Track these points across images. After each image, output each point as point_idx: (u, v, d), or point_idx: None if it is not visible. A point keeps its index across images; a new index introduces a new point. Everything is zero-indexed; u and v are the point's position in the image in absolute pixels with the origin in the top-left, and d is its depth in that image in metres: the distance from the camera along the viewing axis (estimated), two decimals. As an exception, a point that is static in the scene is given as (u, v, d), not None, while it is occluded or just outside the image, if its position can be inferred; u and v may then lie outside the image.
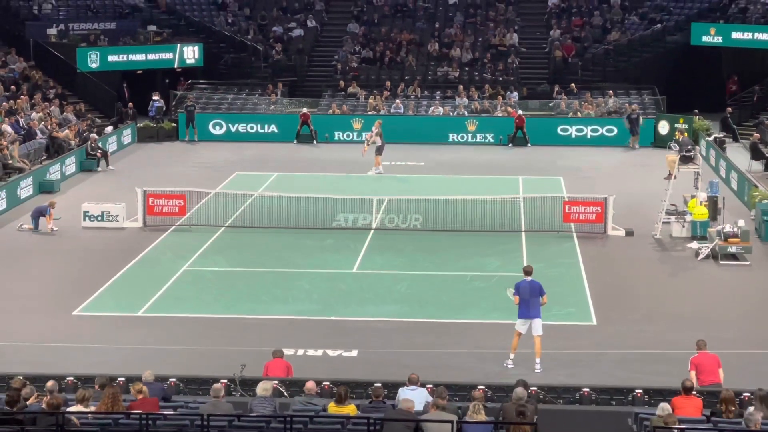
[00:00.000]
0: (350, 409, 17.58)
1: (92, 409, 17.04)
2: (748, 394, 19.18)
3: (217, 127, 52.23)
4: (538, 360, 23.13)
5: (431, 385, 19.26)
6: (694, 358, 20.79)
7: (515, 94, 54.81)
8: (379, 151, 43.73)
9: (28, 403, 17.36)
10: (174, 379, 20.34)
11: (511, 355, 23.34)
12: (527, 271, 23.83)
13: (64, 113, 49.44)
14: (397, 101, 53.66)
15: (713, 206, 34.13)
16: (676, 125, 47.40)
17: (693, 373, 20.43)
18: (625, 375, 22.45)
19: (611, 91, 54.12)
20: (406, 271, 30.86)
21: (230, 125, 52.29)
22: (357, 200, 36.90)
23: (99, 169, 44.62)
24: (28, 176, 39.91)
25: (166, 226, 34.89)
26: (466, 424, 16.63)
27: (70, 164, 43.61)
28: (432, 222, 35.39)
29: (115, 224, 35.01)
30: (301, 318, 26.70)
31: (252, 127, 52.30)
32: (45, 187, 40.03)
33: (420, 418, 16.83)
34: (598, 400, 19.96)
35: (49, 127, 46.57)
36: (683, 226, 33.95)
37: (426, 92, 56.08)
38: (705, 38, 56.42)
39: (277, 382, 19.68)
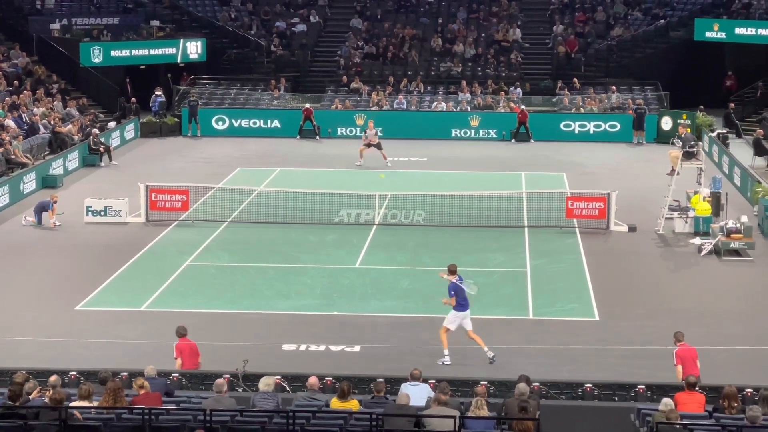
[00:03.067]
0: (353, 404, 17.58)
1: (95, 404, 17.06)
2: (751, 390, 19.21)
3: (220, 123, 52.24)
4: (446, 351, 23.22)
5: (434, 381, 19.28)
6: (678, 351, 20.75)
7: (518, 89, 54.75)
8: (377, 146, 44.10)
9: (30, 397, 17.38)
10: (176, 374, 20.37)
11: (446, 351, 23.28)
12: (452, 270, 23.77)
13: (67, 108, 49.47)
14: (400, 97, 53.64)
15: (716, 202, 34.10)
16: (679, 121, 47.43)
17: (680, 368, 20.37)
18: (627, 371, 22.44)
19: (614, 87, 54.06)
20: (408, 266, 30.87)
21: (233, 120, 52.32)
22: (359, 196, 36.91)
23: (102, 164, 44.64)
24: (31, 171, 39.95)
25: (169, 221, 34.89)
26: (468, 420, 16.65)
27: (73, 159, 43.64)
28: (435, 218, 35.38)
29: (118, 219, 35.03)
30: (303, 313, 26.71)
31: (255, 123, 52.33)
32: (48, 182, 40.06)
33: (422, 414, 16.84)
34: (600, 396, 19.97)
35: (52, 122, 46.59)
36: (686, 222, 33.94)
37: (429, 88, 56.01)
38: (708, 34, 56.31)
39: (279, 377, 19.70)
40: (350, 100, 53.88)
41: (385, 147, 44.33)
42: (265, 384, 18.02)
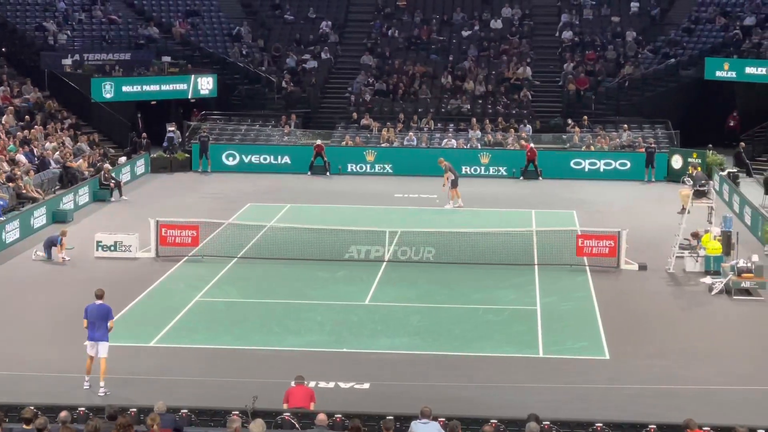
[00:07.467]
0: (362, 442, 17.49)
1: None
2: (762, 431, 19.10)
3: (231, 158, 52.36)
4: (102, 383, 23.15)
5: (444, 419, 19.19)
6: None
7: (528, 127, 54.84)
8: (454, 184, 43.75)
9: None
10: (186, 410, 20.28)
11: (87, 377, 23.33)
12: (98, 295, 23.80)
13: (78, 143, 49.61)
14: (410, 134, 53.75)
15: (727, 241, 34.03)
16: (690, 160, 47.44)
17: None
18: (638, 410, 22.29)
19: (625, 125, 54.13)
20: (418, 303, 30.79)
21: (243, 156, 52.44)
22: (370, 232, 36.88)
23: (112, 199, 44.71)
24: (41, 206, 40.00)
25: (179, 257, 34.89)
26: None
27: (84, 194, 43.71)
28: (445, 255, 35.32)
29: (128, 254, 35.03)
30: (313, 350, 26.62)
31: (265, 159, 52.46)
32: (58, 217, 40.09)
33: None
34: (611, 435, 19.85)
35: (63, 157, 46.71)
36: (697, 261, 33.86)
37: (439, 125, 56.12)
38: (719, 73, 56.43)
39: (288, 414, 19.56)
40: (360, 136, 53.99)
41: (396, 184, 44.29)
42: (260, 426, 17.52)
